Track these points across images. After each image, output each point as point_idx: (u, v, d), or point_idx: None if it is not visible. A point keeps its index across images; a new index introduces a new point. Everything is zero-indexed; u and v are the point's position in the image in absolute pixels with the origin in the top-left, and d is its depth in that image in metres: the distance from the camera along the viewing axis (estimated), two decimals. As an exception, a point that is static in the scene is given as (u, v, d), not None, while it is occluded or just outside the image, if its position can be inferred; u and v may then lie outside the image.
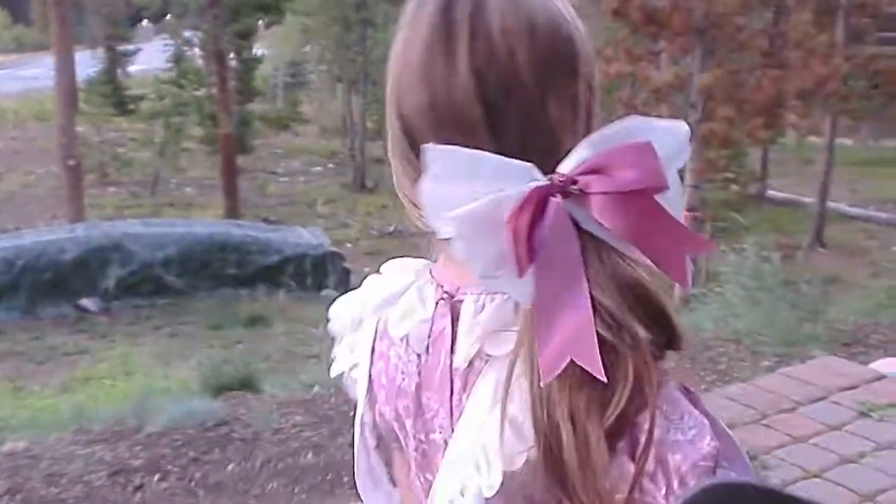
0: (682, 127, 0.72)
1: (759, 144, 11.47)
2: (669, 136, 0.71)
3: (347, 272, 13.01)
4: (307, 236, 13.18)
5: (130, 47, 27.14)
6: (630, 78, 10.34)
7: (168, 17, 26.28)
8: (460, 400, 0.79)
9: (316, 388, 4.05)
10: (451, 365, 0.80)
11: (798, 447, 2.81)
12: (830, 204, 15.21)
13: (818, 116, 11.71)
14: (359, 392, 0.92)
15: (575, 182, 0.68)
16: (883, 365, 3.56)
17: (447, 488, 0.76)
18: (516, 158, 0.70)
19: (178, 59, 22.44)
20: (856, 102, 13.14)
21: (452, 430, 0.79)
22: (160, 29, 29.85)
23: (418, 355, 0.84)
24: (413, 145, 0.82)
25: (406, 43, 0.81)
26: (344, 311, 0.97)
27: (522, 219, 0.68)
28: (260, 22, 24.82)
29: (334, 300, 1.04)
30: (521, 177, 0.69)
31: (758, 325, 4.38)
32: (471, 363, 0.78)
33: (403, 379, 0.86)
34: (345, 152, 21.32)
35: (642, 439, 0.68)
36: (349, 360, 0.94)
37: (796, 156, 18.60)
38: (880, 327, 4.60)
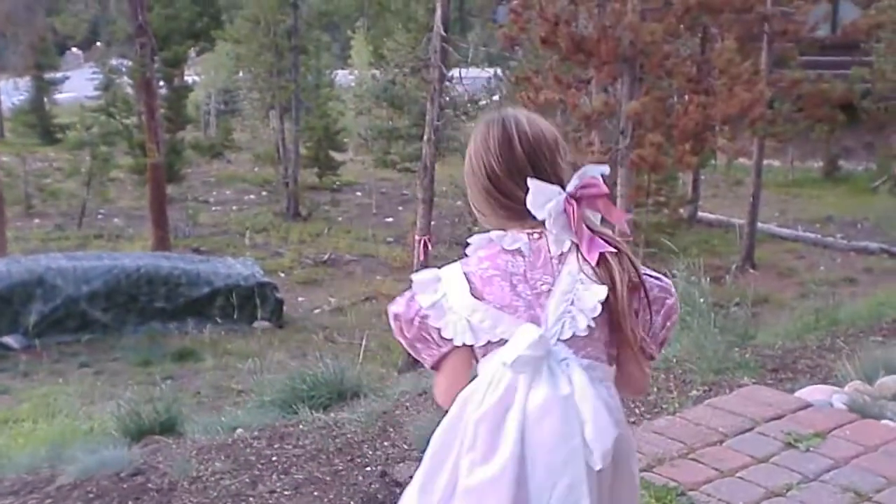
0: (605, 167, 1.64)
1: (688, 170, 11.66)
2: (603, 169, 1.60)
3: (280, 302, 12.81)
4: (238, 267, 12.96)
5: (58, 75, 26.58)
6: (560, 105, 10.42)
7: (97, 44, 25.80)
8: (559, 269, 1.56)
9: (238, 431, 3.90)
10: (549, 254, 1.57)
11: (725, 481, 2.78)
12: (760, 225, 15.53)
13: (746, 140, 11.97)
14: (460, 293, 1.59)
15: (575, 194, 1.56)
16: (808, 393, 3.57)
17: (559, 305, 1.53)
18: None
19: (106, 87, 22.05)
20: (781, 126, 13.47)
21: (554, 282, 1.55)
22: (89, 56, 29.27)
23: (524, 256, 1.58)
24: (496, 186, 1.63)
25: (484, 140, 1.65)
26: (427, 273, 1.68)
27: (569, 208, 1.55)
28: (191, 50, 24.53)
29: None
30: (557, 192, 1.56)
31: (688, 352, 4.37)
32: (561, 253, 1.56)
33: (513, 266, 1.58)
34: (278, 180, 21.10)
35: (643, 294, 1.56)
36: (436, 295, 1.62)
37: (726, 178, 19.01)
38: (807, 352, 4.63)
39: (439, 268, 1.65)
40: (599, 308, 1.51)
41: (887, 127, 18.49)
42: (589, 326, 1.51)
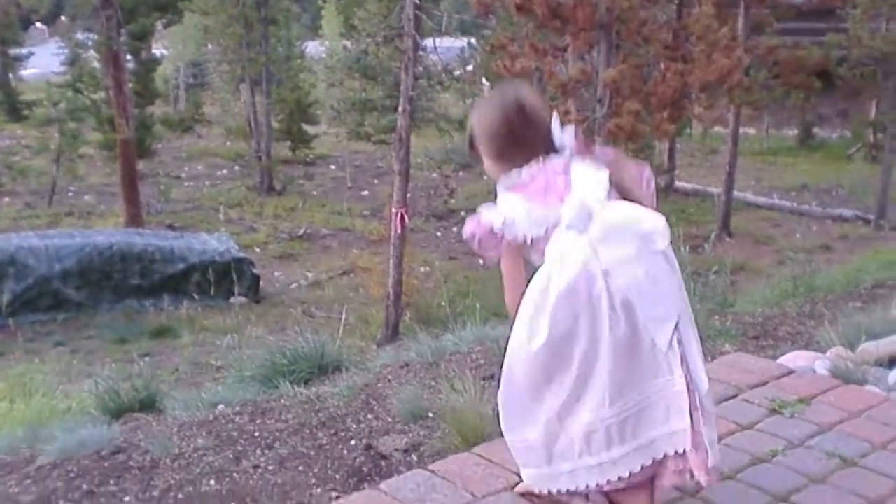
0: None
1: (666, 138, 11.65)
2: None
3: (257, 277, 12.72)
4: (213, 243, 12.83)
5: (23, 51, 26.07)
6: (536, 73, 10.34)
7: (62, 18, 25.32)
8: (568, 176, 2.15)
9: (220, 408, 3.86)
10: (557, 169, 2.17)
11: (712, 448, 2.77)
12: (736, 193, 15.60)
13: (722, 108, 11.96)
14: (515, 203, 2.19)
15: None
16: (791, 359, 3.57)
17: (580, 191, 2.11)
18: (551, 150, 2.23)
19: (72, 62, 21.66)
20: (758, 93, 13.48)
21: (568, 182, 2.14)
22: (54, 31, 28.76)
23: (540, 174, 2.17)
24: (506, 149, 2.24)
25: (490, 111, 2.28)
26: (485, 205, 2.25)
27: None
28: (158, 22, 24.09)
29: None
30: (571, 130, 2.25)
31: (669, 321, 4.37)
32: (564, 165, 2.18)
33: (537, 184, 2.17)
34: (251, 154, 20.88)
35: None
36: (498, 212, 2.19)
37: (701, 146, 19.06)
38: (787, 318, 4.65)
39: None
40: (607, 183, 2.12)
41: (862, 94, 18.58)
42: (605, 194, 2.11)
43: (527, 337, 2.13)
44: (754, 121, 20.61)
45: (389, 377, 4.18)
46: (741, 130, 15.86)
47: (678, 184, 18.27)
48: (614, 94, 9.63)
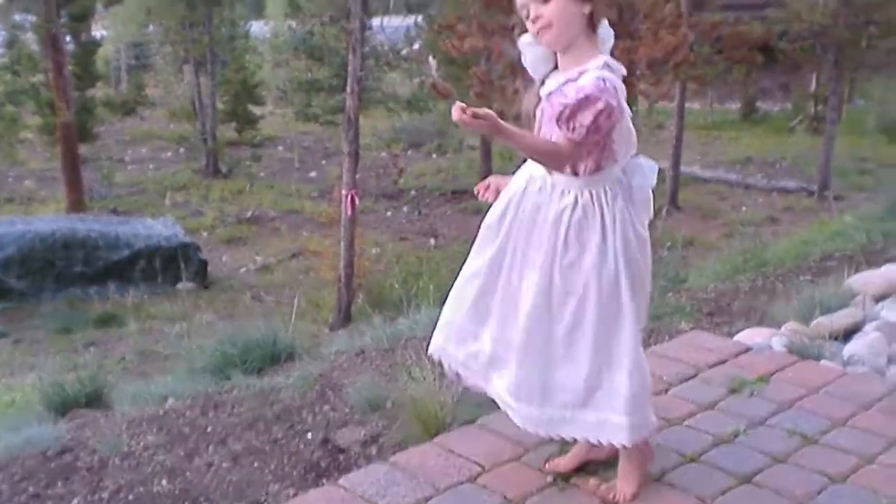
0: None
1: (614, 114, 11.66)
2: None
3: (204, 263, 12.50)
4: (159, 227, 12.57)
5: (-44, 32, 25.18)
6: (484, 52, 10.26)
7: (-3, -2, 24.50)
8: None
9: (170, 401, 3.75)
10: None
11: (673, 430, 2.76)
12: (683, 168, 15.75)
13: (668, 83, 12.03)
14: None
15: None
16: (747, 336, 3.58)
17: None
18: None
19: (10, 44, 20.99)
20: (702, 68, 13.59)
21: None
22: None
23: None
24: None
25: None
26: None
27: None
28: (98, 3, 23.44)
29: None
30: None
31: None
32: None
33: None
34: (196, 136, 20.48)
35: None
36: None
37: (647, 122, 19.17)
38: (740, 294, 4.67)
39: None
40: None
41: (802, 67, 18.87)
42: None
43: None
44: (698, 95, 20.81)
45: (345, 365, 4.10)
46: (686, 105, 15.98)
47: (626, 159, 18.38)
48: (563, 71, 9.59)
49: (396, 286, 9.69)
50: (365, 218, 14.82)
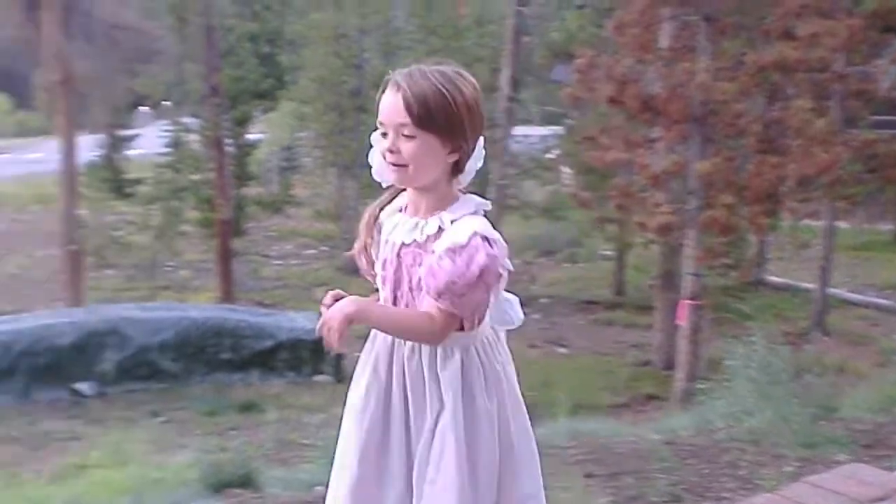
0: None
1: (760, 232, 11.48)
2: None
3: (341, 357, 12.84)
4: (301, 321, 13.04)
5: (130, 132, 27.41)
6: (626, 165, 10.40)
7: (166, 102, 26.63)
8: None
9: (318, 489, 3.89)
10: None
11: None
12: (831, 290, 15.18)
13: (817, 201, 11.77)
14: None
15: None
16: (910, 468, 3.43)
17: None
18: None
19: (175, 144, 22.63)
20: (852, 187, 13.24)
21: None
22: (158, 114, 30.23)
23: None
24: (472, 137, 1.94)
25: (466, 82, 1.89)
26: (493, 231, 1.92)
27: None
28: (257, 108, 25.12)
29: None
30: None
31: (772, 424, 4.25)
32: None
33: None
34: (339, 236, 21.32)
35: None
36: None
37: (792, 240, 18.65)
38: (899, 424, 4.48)
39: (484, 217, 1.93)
40: None
41: (961, 190, 18.02)
42: None
43: None
44: (847, 214, 20.13)
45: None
46: (833, 224, 15.52)
47: (769, 278, 17.88)
48: (707, 186, 9.59)
49: (531, 394, 9.63)
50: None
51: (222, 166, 17.30)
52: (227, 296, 16.45)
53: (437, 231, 1.87)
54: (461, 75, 1.87)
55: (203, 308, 13.32)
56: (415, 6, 20.62)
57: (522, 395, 2.08)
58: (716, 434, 4.58)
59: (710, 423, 4.84)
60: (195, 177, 20.74)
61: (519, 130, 18.01)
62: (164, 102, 27.34)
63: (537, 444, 4.72)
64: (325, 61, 20.86)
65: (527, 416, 2.02)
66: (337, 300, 1.95)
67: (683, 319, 9.82)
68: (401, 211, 2.00)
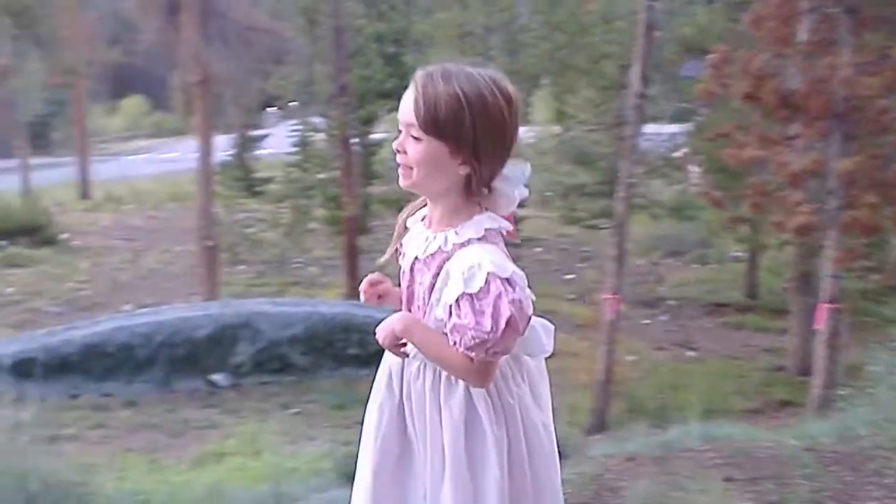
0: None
1: (906, 233, 10.90)
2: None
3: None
4: (427, 317, 13.23)
5: (260, 132, 28.40)
6: (762, 163, 10.05)
7: (293, 103, 27.45)
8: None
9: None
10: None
11: None
12: None
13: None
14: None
15: None
16: None
17: None
18: None
19: (303, 143, 23.30)
20: None
21: None
22: (286, 115, 31.26)
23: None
24: (497, 150, 1.84)
25: (486, 90, 1.75)
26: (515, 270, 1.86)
27: None
28: (382, 108, 25.58)
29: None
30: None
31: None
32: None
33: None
34: (464, 235, 21.46)
35: None
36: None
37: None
38: None
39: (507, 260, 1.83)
40: None
41: None
42: None
43: None
44: None
45: (617, 468, 4.11)
46: None
47: (911, 282, 16.94)
48: (849, 185, 9.17)
49: (659, 396, 9.51)
50: (621, 324, 14.71)
51: (349, 165, 17.71)
52: (354, 292, 16.79)
53: (438, 250, 1.82)
54: (495, 83, 1.74)
55: (331, 304, 13.69)
56: (539, 3, 20.53)
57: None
58: (859, 441, 4.40)
59: (853, 430, 4.65)
60: (322, 175, 21.31)
61: (648, 128, 17.68)
62: (291, 103, 28.20)
63: (667, 445, 4.64)
64: (450, 60, 21.01)
65: (552, 443, 1.94)
66: (372, 285, 1.98)
67: (822, 323, 9.42)
68: (423, 220, 1.94)
